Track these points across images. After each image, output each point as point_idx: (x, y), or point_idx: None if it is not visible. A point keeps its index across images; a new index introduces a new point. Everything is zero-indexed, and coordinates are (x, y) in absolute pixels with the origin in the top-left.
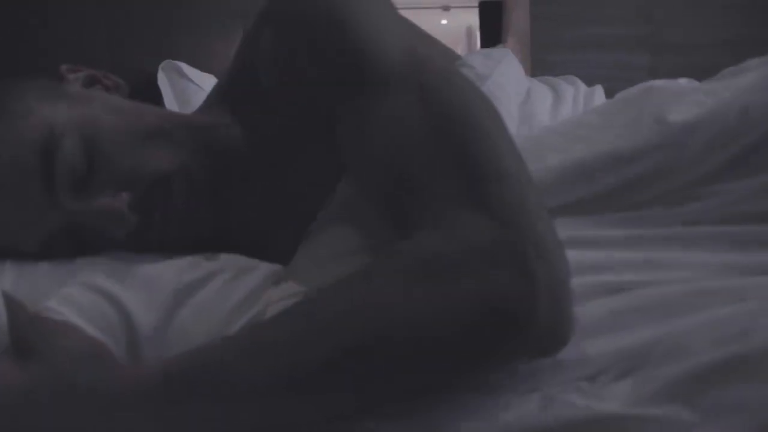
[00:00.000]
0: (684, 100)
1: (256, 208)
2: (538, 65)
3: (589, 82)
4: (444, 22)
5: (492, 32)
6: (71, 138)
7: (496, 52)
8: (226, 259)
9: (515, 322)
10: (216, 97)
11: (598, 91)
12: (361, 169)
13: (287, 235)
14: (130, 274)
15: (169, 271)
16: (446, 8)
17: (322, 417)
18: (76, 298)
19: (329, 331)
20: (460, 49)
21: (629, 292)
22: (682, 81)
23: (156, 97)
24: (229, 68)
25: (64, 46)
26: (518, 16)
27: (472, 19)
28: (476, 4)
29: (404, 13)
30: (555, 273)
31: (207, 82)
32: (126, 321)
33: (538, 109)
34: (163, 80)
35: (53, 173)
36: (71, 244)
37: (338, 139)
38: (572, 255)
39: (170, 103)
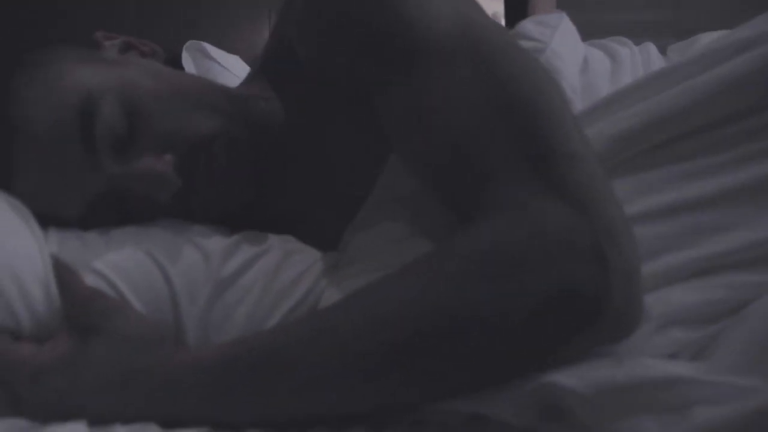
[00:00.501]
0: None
1: (298, 186)
2: None
3: None
4: None
5: (517, 19)
6: (110, 99)
7: (550, 17)
8: (272, 241)
9: (589, 310)
10: (255, 72)
11: (652, 49)
12: (412, 149)
13: (331, 217)
14: (177, 248)
15: (216, 251)
16: None
17: (385, 405)
18: (126, 265)
19: (397, 318)
20: None
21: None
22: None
23: None
24: (268, 42)
25: (89, 27)
26: (543, 3)
27: (497, 5)
28: None
29: None
30: (627, 259)
31: (232, 63)
32: (173, 299)
33: (597, 78)
34: (187, 60)
35: (93, 135)
36: (114, 212)
37: (383, 115)
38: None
39: None
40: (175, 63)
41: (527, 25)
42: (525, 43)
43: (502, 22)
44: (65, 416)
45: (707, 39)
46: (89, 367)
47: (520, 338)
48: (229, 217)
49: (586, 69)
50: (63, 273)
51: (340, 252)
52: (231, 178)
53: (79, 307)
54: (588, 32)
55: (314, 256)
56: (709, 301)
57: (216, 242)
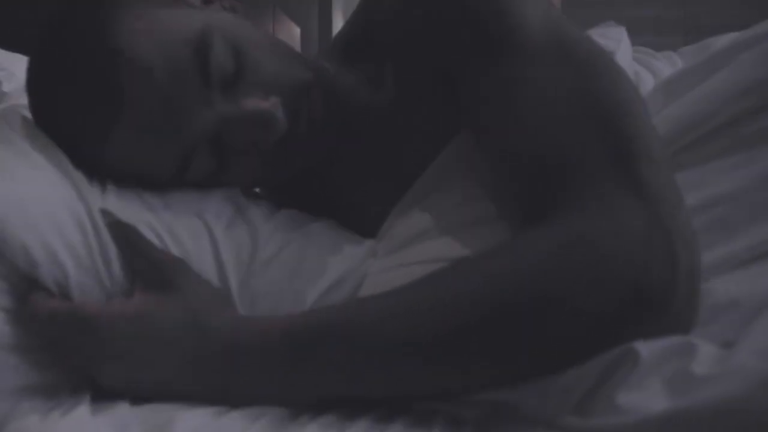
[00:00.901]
0: None
1: (350, 169)
2: None
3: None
4: None
5: None
6: (220, 38)
7: (613, 31)
8: (315, 222)
9: (658, 309)
10: (330, 51)
11: (677, 60)
12: (495, 137)
13: (375, 205)
14: (228, 219)
15: (263, 226)
16: None
17: (455, 387)
18: (179, 227)
19: (472, 299)
20: None
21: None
22: None
23: None
24: (348, 22)
25: None
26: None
27: None
28: None
29: None
30: (693, 259)
31: None
32: (219, 268)
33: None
34: None
35: (209, 71)
36: (204, 168)
37: (467, 101)
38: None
39: None
40: None
41: (594, 38)
42: None
43: None
44: (136, 371)
45: (719, 43)
46: (162, 322)
47: (593, 327)
48: (298, 179)
49: (637, 85)
50: (129, 232)
51: (379, 239)
52: (327, 128)
53: (151, 267)
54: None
55: (354, 240)
56: (752, 292)
57: (263, 217)
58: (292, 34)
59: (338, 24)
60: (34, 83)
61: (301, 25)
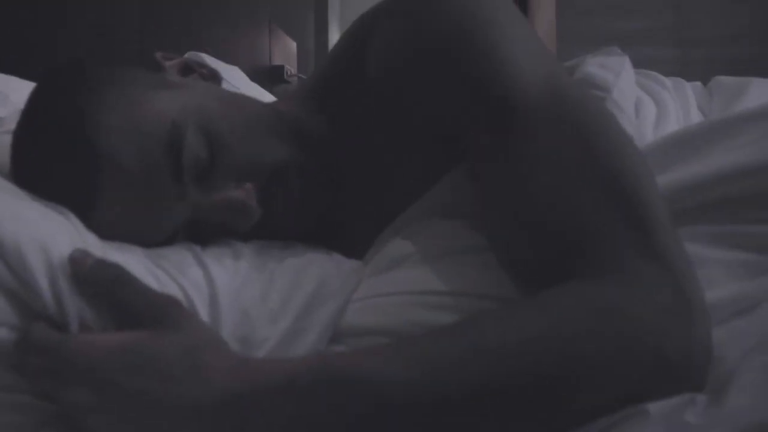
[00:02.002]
0: None
1: (338, 203)
2: (565, 58)
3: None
4: None
5: None
6: (193, 129)
7: (612, 61)
8: (304, 250)
9: (678, 377)
10: (304, 92)
11: (687, 89)
12: (507, 207)
13: (363, 232)
14: (221, 252)
15: (252, 262)
16: None
17: None
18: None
19: (503, 357)
20: None
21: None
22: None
23: None
24: (326, 63)
25: (92, 36)
26: (544, 10)
27: None
28: None
29: None
30: (709, 329)
31: (231, 74)
32: (213, 309)
33: (646, 126)
34: None
35: (181, 165)
36: (191, 239)
37: (474, 168)
38: None
39: None
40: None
41: (591, 69)
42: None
43: None
44: (123, 411)
45: (757, 89)
46: (157, 358)
47: (619, 393)
48: (293, 237)
49: (637, 116)
50: (115, 271)
51: (366, 262)
52: (307, 204)
53: (141, 305)
54: (589, 38)
55: (340, 258)
56: (735, 347)
57: (252, 252)
58: (288, 48)
59: (334, 39)
60: (16, 165)
61: (298, 40)
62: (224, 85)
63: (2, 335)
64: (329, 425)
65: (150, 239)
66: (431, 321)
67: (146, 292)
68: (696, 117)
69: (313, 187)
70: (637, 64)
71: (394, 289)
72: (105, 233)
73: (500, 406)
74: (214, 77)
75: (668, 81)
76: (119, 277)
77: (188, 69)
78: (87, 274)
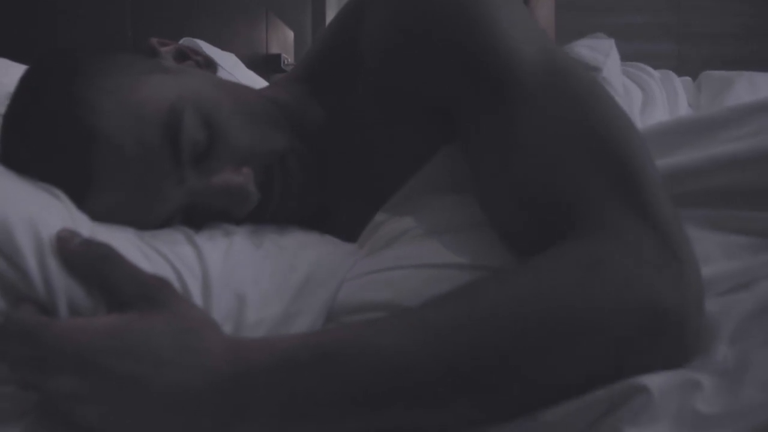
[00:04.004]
0: None
1: (332, 186)
2: None
3: None
4: None
5: None
6: (191, 112)
7: (601, 43)
8: (294, 232)
9: (672, 330)
10: (297, 77)
11: (676, 80)
12: (500, 171)
13: (356, 214)
14: (211, 233)
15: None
16: None
17: (484, 408)
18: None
19: (500, 323)
20: None
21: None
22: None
23: None
24: (317, 47)
25: (84, 21)
26: (543, 5)
27: None
28: None
29: None
30: (700, 281)
31: (227, 61)
32: (205, 290)
33: (633, 108)
34: None
35: (179, 148)
36: (185, 224)
37: (468, 137)
38: None
39: None
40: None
41: (581, 50)
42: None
43: None
44: (115, 399)
45: (743, 83)
46: (149, 340)
47: (616, 347)
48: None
49: (624, 100)
50: (104, 250)
51: (360, 245)
52: (304, 191)
53: (130, 286)
54: (588, 34)
55: (334, 240)
56: (729, 320)
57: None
58: (285, 38)
59: None
60: (5, 147)
61: (295, 30)
62: (220, 72)
63: None
64: (328, 398)
65: (145, 223)
66: (432, 293)
67: (136, 273)
68: (684, 108)
69: (310, 174)
70: (635, 59)
71: (392, 264)
72: (99, 217)
73: (496, 369)
74: (210, 64)
75: (656, 72)
76: (108, 256)
77: (183, 55)
78: (74, 253)
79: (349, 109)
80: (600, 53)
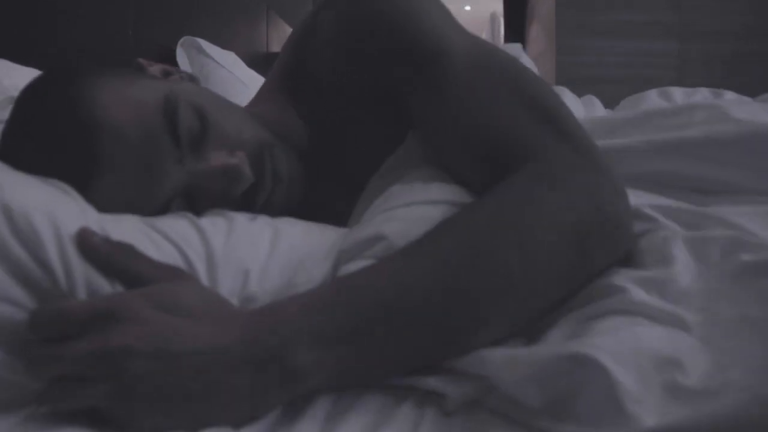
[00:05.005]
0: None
1: (316, 181)
2: (563, 51)
3: (616, 69)
4: (467, 8)
5: (516, 18)
6: (184, 103)
7: (510, 48)
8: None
9: (613, 218)
10: (272, 84)
11: (597, 104)
12: (447, 128)
13: (340, 202)
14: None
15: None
16: None
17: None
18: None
19: (458, 260)
20: (484, 36)
21: None
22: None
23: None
24: (284, 58)
25: (87, 21)
26: (543, 2)
27: (496, 5)
28: None
29: None
30: (622, 185)
31: (227, 59)
32: (210, 268)
33: None
34: (181, 56)
35: (177, 132)
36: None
37: (416, 107)
38: None
39: None
40: (169, 59)
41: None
42: None
43: (501, 21)
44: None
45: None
46: (189, 297)
47: (574, 237)
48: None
49: None
50: (124, 249)
51: (350, 226)
52: (294, 177)
53: (162, 274)
54: (589, 32)
55: (328, 226)
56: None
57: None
58: (286, 35)
59: None
60: (10, 149)
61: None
62: (220, 71)
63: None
64: (341, 330)
65: (148, 207)
66: (419, 226)
67: (155, 263)
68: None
69: (296, 164)
70: (636, 58)
71: (389, 206)
72: (103, 204)
73: (466, 304)
74: (193, 79)
75: (569, 91)
76: (127, 250)
77: (168, 73)
78: (95, 248)
79: (320, 113)
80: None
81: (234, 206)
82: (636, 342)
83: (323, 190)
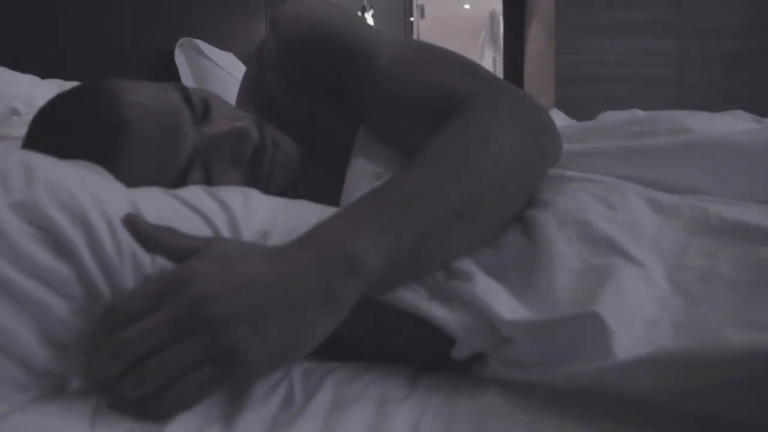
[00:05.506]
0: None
1: (306, 174)
2: (562, 50)
3: (616, 68)
4: (467, 6)
5: (515, 16)
6: (191, 92)
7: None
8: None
9: (548, 127)
10: (241, 98)
11: (560, 117)
12: (395, 100)
13: (328, 186)
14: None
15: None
16: None
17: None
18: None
19: (458, 161)
20: (483, 34)
21: None
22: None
23: (172, 76)
24: (246, 76)
25: (86, 21)
26: (542, 0)
27: (495, 3)
28: None
29: None
30: (548, 114)
31: (226, 60)
32: (234, 232)
33: None
34: (180, 58)
35: (193, 107)
36: (200, 182)
37: (364, 96)
38: None
39: (188, 80)
40: (168, 60)
41: None
42: None
43: (501, 20)
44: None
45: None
46: (243, 252)
47: (523, 138)
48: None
49: None
50: (166, 230)
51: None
52: (291, 150)
53: (205, 243)
54: (589, 30)
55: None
56: None
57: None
58: None
59: None
60: (39, 135)
61: None
62: (218, 72)
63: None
64: (381, 226)
65: (170, 168)
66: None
67: (189, 236)
68: None
69: (286, 137)
70: (636, 56)
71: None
72: (131, 171)
73: (472, 200)
74: None
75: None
76: (171, 230)
77: None
78: (144, 229)
79: (287, 118)
80: None
81: (244, 177)
82: (622, 291)
83: (310, 179)
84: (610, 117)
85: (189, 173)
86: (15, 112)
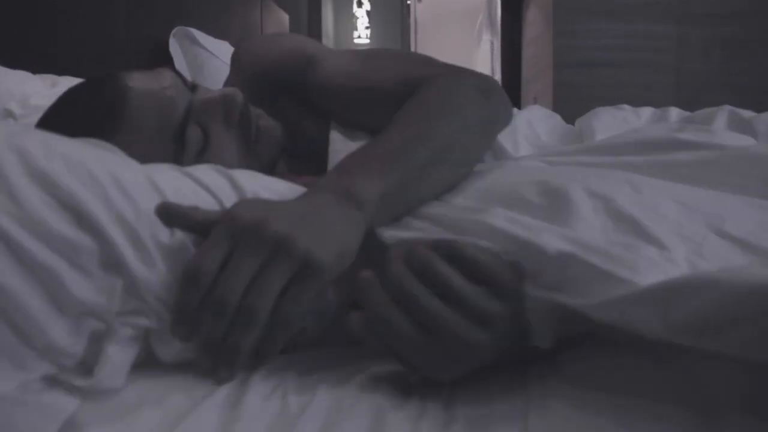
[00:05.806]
0: None
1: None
2: (561, 34)
3: (614, 52)
4: None
5: (513, 1)
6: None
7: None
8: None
9: (498, 95)
10: None
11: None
12: (361, 91)
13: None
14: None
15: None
16: None
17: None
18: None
19: (430, 135)
20: (480, 19)
21: None
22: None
23: (167, 65)
24: (226, 83)
25: (80, 10)
26: None
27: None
28: None
29: None
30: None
31: (221, 48)
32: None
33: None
34: (174, 47)
35: (186, 84)
36: (198, 143)
37: (326, 96)
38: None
39: (182, 70)
40: (162, 49)
41: None
42: None
43: (498, 3)
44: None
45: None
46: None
47: (480, 98)
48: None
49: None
50: (194, 210)
51: None
52: (274, 124)
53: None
54: (587, 13)
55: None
56: None
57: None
58: (281, 21)
59: (327, 12)
60: (52, 118)
61: (291, 13)
62: (213, 61)
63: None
64: (378, 169)
65: (168, 124)
66: None
67: (206, 210)
68: (523, 143)
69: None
70: (634, 40)
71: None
72: (133, 131)
73: (445, 147)
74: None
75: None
76: (198, 208)
77: None
78: (180, 210)
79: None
80: None
81: (237, 141)
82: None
83: (295, 169)
84: (607, 115)
85: (185, 129)
86: (10, 114)
